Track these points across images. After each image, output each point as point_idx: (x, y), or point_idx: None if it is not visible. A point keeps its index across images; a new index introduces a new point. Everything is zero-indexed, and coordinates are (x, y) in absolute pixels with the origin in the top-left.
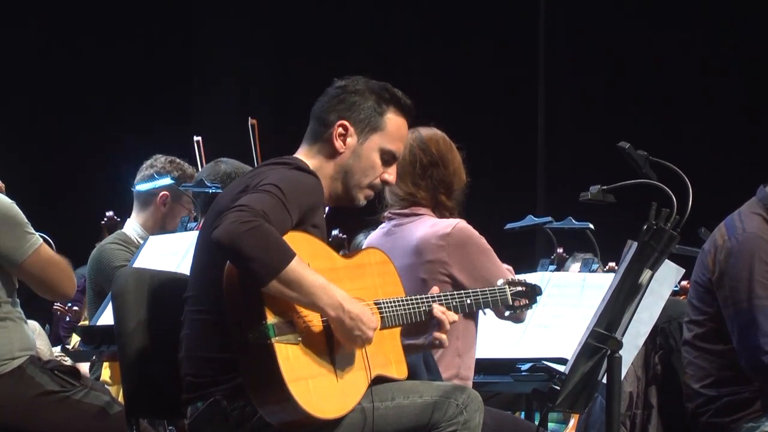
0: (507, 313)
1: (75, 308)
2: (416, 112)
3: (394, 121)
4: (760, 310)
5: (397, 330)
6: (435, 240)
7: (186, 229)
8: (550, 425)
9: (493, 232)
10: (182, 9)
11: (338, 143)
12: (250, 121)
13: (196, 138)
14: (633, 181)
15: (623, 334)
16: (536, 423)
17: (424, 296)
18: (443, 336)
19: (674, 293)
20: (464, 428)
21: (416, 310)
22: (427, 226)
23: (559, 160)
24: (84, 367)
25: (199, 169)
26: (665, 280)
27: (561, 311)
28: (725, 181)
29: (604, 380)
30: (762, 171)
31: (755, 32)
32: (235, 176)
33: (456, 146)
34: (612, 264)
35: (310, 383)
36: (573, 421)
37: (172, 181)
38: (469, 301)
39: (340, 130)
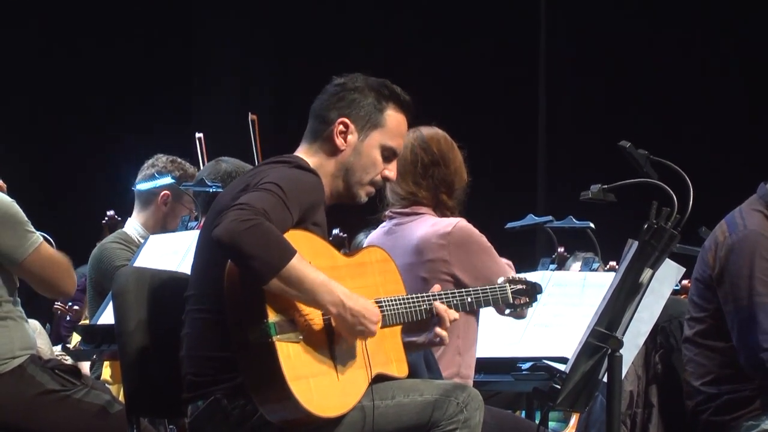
0: (507, 312)
1: (75, 307)
2: (417, 112)
3: (393, 117)
4: (760, 307)
5: (398, 328)
6: (436, 239)
7: (187, 228)
8: (551, 424)
9: (494, 232)
10: (182, 9)
11: (339, 141)
12: (250, 116)
13: (198, 134)
14: (634, 180)
15: (624, 333)
16: (537, 422)
17: (424, 294)
18: (444, 333)
19: (675, 292)
20: (464, 426)
21: (417, 308)
22: (427, 225)
23: (559, 160)
24: (85, 366)
25: (201, 164)
26: (666, 279)
27: (562, 310)
28: (725, 181)
29: (605, 379)
30: (762, 170)
31: (755, 32)
32: (236, 175)
33: (457, 145)
34: (613, 263)
35: (311, 382)
36: (573, 420)
37: (173, 181)
38: (470, 300)
39: (341, 127)
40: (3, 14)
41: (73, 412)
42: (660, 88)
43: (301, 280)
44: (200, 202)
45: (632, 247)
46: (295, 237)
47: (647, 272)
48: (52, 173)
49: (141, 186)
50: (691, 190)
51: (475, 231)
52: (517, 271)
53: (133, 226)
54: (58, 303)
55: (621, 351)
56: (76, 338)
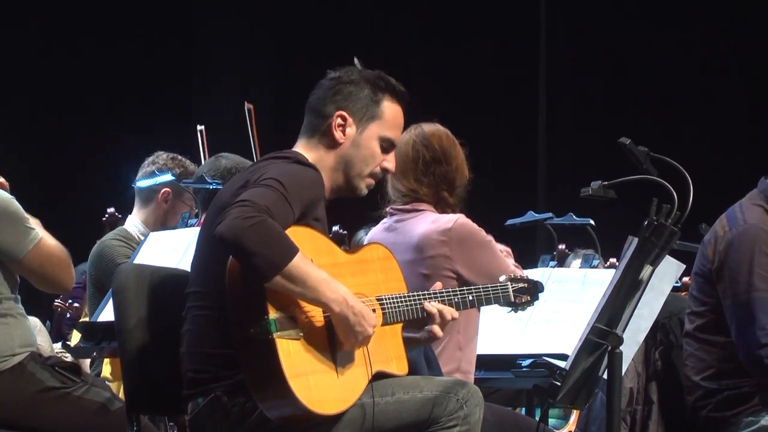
0: (508, 311)
1: (75, 305)
2: (417, 112)
3: (390, 108)
4: (758, 302)
5: (399, 326)
6: (436, 235)
7: (187, 225)
8: (551, 421)
9: (494, 229)
10: (182, 9)
11: (338, 134)
12: (247, 105)
13: (199, 127)
14: (634, 176)
15: (624, 330)
16: (537, 419)
17: (426, 292)
18: (436, 329)
19: (675, 289)
20: (464, 423)
21: (418, 306)
22: (428, 221)
23: (559, 159)
24: (85, 364)
25: (202, 157)
26: (666, 276)
27: (562, 307)
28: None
29: (605, 376)
30: (762, 170)
31: (755, 32)
32: (236, 171)
33: (459, 142)
34: (613, 260)
35: (311, 379)
36: (574, 417)
37: (173, 178)
38: (471, 298)
39: (339, 120)
40: (3, 14)
41: (73, 410)
42: (660, 88)
43: (304, 278)
44: (200, 199)
45: (632, 243)
46: (296, 233)
47: (647, 269)
48: (52, 173)
49: (141, 183)
50: (691, 186)
51: (476, 226)
52: None
53: (134, 223)
54: (59, 300)
55: (621, 348)
56: (76, 336)
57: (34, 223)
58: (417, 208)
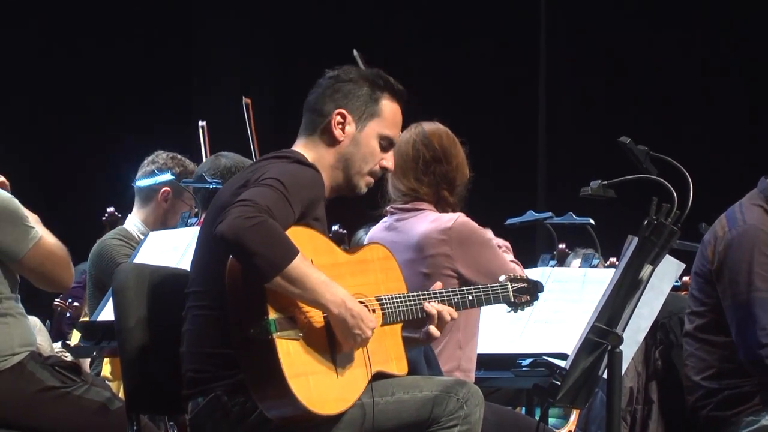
0: (508, 310)
1: (75, 304)
2: (417, 112)
3: (389, 107)
4: (758, 302)
5: (398, 326)
6: (436, 234)
7: (186, 225)
8: (551, 420)
9: (494, 228)
10: (182, 9)
11: (337, 131)
12: (244, 100)
13: (201, 123)
14: (633, 176)
15: (624, 330)
16: (537, 418)
17: (425, 292)
18: (433, 329)
19: (675, 288)
20: (465, 423)
21: (418, 306)
22: (428, 221)
23: (559, 160)
24: (85, 363)
25: (204, 153)
26: (666, 276)
27: (562, 306)
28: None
29: (605, 375)
30: (762, 170)
31: (755, 32)
32: (236, 170)
33: (459, 141)
34: (613, 259)
35: (311, 379)
36: (574, 417)
37: (172, 177)
38: (471, 298)
39: (338, 118)
40: (3, 14)
41: (73, 409)
42: (660, 88)
43: (304, 280)
44: (200, 199)
45: (632, 243)
46: (296, 233)
47: (647, 268)
48: (52, 173)
49: (141, 183)
50: (691, 186)
51: (476, 225)
52: None
53: (134, 222)
54: (58, 300)
55: (621, 347)
56: (76, 335)
57: (33, 220)
58: (417, 207)
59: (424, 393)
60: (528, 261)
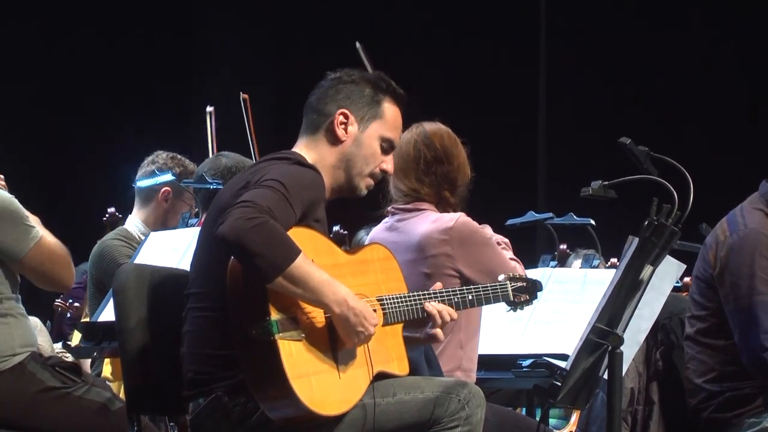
0: (507, 309)
1: (76, 305)
2: (417, 112)
3: (391, 109)
4: (760, 306)
5: (399, 326)
6: (437, 234)
7: (187, 225)
8: (552, 421)
9: (495, 228)
10: (182, 9)
11: (340, 131)
12: (242, 96)
13: (208, 108)
14: (634, 176)
15: (624, 330)
16: (537, 419)
17: (426, 292)
18: (438, 332)
19: (675, 289)
20: (466, 423)
21: (418, 306)
22: (429, 221)
23: (559, 159)
24: (85, 364)
25: (210, 139)
26: (666, 276)
27: (562, 307)
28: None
29: (606, 376)
30: (762, 169)
31: (755, 32)
32: (236, 170)
33: (461, 141)
34: (614, 260)
35: (313, 380)
36: (574, 418)
37: (173, 178)
38: (470, 297)
39: (341, 118)
40: (3, 14)
41: (73, 410)
42: (660, 88)
43: (306, 279)
44: (200, 199)
45: (633, 243)
46: (297, 234)
47: (648, 269)
48: (51, 173)
49: (141, 183)
50: (692, 186)
51: (477, 225)
52: None
53: (134, 223)
54: (59, 300)
55: (621, 348)
56: (77, 336)
57: (34, 221)
58: (418, 207)
59: (426, 394)
60: (528, 262)
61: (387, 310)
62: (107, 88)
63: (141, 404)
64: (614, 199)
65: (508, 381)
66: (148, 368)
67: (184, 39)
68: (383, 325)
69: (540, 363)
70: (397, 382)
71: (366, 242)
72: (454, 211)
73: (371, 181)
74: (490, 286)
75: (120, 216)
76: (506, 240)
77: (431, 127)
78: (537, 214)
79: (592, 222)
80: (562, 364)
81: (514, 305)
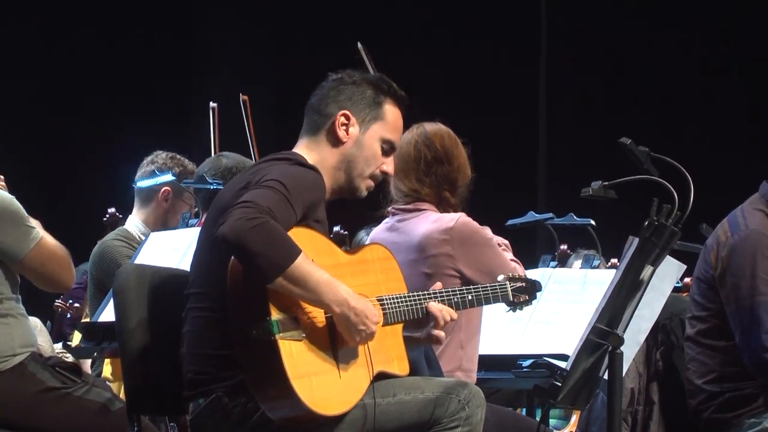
0: (507, 310)
1: (76, 305)
2: (417, 112)
3: (392, 111)
4: (762, 306)
5: (399, 326)
6: (438, 234)
7: (187, 226)
8: (552, 421)
9: (495, 229)
10: (182, 9)
11: (341, 132)
12: (242, 97)
13: (212, 104)
14: (634, 177)
15: (624, 331)
16: (538, 419)
17: (425, 292)
18: (441, 333)
19: (676, 289)
20: (466, 424)
21: (418, 306)
22: (429, 221)
23: (559, 160)
24: (85, 364)
25: (213, 136)
26: (666, 277)
27: (562, 307)
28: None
29: (606, 376)
30: (762, 169)
31: (755, 32)
32: (237, 171)
33: (461, 141)
34: (614, 260)
35: (313, 380)
36: (574, 418)
37: (173, 178)
38: (470, 297)
39: (342, 119)
40: (3, 14)
41: (73, 410)
42: (660, 88)
43: (306, 279)
44: (201, 199)
45: (633, 244)
46: (297, 235)
47: (648, 269)
48: (51, 173)
49: (141, 183)
50: (692, 186)
51: (477, 225)
52: None
53: (134, 223)
54: (59, 300)
55: (622, 348)
56: (77, 336)
57: (34, 223)
58: (419, 207)
59: (426, 394)
60: (529, 262)
61: (387, 310)
62: (107, 88)
63: (141, 404)
64: (614, 200)
65: (509, 381)
66: (149, 368)
67: (184, 39)
68: (383, 325)
69: (540, 363)
70: (398, 383)
71: (366, 243)
72: (455, 211)
73: (371, 183)
74: (490, 287)
75: (120, 216)
76: (506, 242)
77: (432, 127)
78: (537, 215)
79: (593, 222)
80: (562, 364)
81: (514, 305)
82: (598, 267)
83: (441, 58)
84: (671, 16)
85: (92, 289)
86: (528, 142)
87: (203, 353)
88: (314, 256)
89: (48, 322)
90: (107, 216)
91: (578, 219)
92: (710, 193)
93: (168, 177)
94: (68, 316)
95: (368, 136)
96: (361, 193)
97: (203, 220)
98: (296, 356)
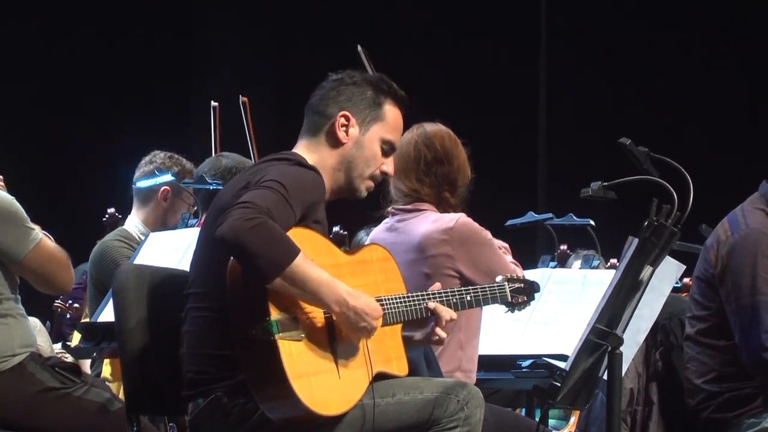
0: (505, 311)
1: (76, 305)
2: (417, 112)
3: (392, 111)
4: (762, 306)
5: (398, 327)
6: (438, 234)
7: (187, 226)
8: (551, 422)
9: (494, 229)
10: (182, 9)
11: (341, 133)
12: (241, 99)
13: (213, 103)
14: (634, 177)
15: (624, 331)
16: (537, 420)
17: (424, 293)
18: (442, 333)
19: (675, 290)
20: (465, 424)
21: (417, 307)
22: (429, 221)
23: (559, 160)
24: (85, 364)
25: (213, 135)
26: (666, 277)
27: (562, 308)
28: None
29: (605, 377)
30: (762, 169)
31: (755, 32)
32: (236, 171)
33: (461, 142)
34: (613, 260)
35: (313, 380)
36: (574, 418)
37: (173, 178)
38: (469, 298)
39: (342, 120)
40: (3, 14)
41: (73, 410)
42: (660, 88)
43: (305, 279)
44: (200, 199)
45: (632, 244)
46: (297, 235)
47: (647, 269)
48: (51, 173)
49: (141, 183)
50: (692, 187)
51: (477, 225)
52: None
53: (133, 223)
54: (59, 301)
55: (621, 348)
56: (76, 336)
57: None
58: (419, 207)
59: (425, 394)
60: (528, 262)
61: (386, 311)
62: (107, 88)
63: (140, 405)
64: (614, 200)
65: (508, 381)
66: (148, 369)
67: (184, 39)
68: (382, 326)
69: (539, 363)
70: (397, 383)
71: (366, 243)
72: (455, 211)
73: (371, 183)
74: (488, 287)
75: (120, 216)
76: (506, 245)
77: (432, 128)
78: (537, 215)
79: (592, 223)
80: (561, 364)
81: (512, 306)
82: (597, 267)
83: (441, 58)
84: (671, 16)
85: (92, 289)
86: (528, 142)
87: (203, 353)
88: (313, 256)
89: (47, 322)
90: (107, 216)
91: (578, 219)
92: (710, 193)
93: (168, 177)
94: (68, 316)
95: (368, 137)
96: (360, 194)
97: (203, 220)
98: (296, 356)
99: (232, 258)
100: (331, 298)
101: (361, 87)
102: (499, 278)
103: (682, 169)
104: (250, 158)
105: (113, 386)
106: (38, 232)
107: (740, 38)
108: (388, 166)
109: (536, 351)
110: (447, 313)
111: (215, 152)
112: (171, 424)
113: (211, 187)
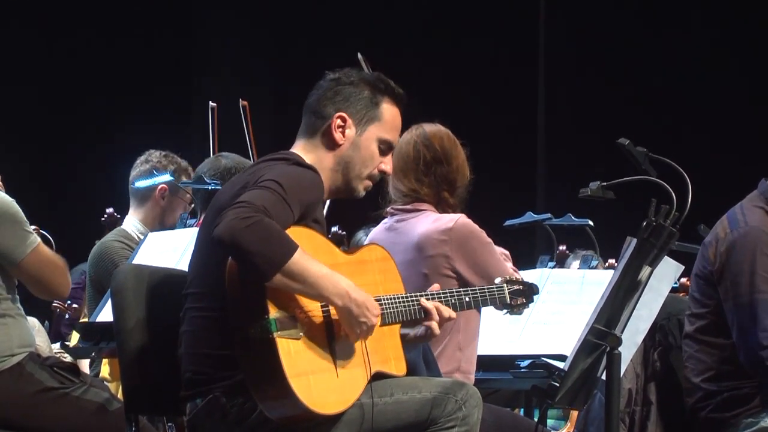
0: (504, 313)
1: (74, 306)
2: (417, 112)
3: (389, 111)
4: (760, 304)
5: (397, 327)
6: (437, 235)
7: (185, 226)
8: (550, 422)
9: (493, 229)
10: (182, 9)
11: (337, 135)
12: (242, 102)
13: (212, 104)
14: (632, 177)
15: (622, 331)
16: (535, 420)
17: (423, 293)
18: (433, 324)
19: (673, 290)
20: (463, 424)
21: (416, 307)
22: (429, 221)
23: (558, 160)
24: (83, 364)
25: (212, 135)
26: (664, 277)
27: (560, 308)
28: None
29: (604, 377)
30: (761, 169)
31: (755, 32)
32: (236, 171)
33: (460, 142)
34: (612, 261)
35: (311, 379)
36: (572, 419)
37: (171, 177)
38: (467, 299)
39: (339, 121)
40: (3, 14)
41: (71, 410)
42: (660, 88)
43: (305, 274)
44: (199, 199)
45: (631, 244)
46: (295, 234)
47: (646, 270)
48: (51, 173)
49: (139, 183)
50: (690, 187)
51: (476, 227)
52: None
53: (132, 223)
54: (57, 301)
55: (620, 348)
56: (75, 336)
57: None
58: (418, 208)
59: (423, 394)
60: (527, 262)
61: (384, 311)
62: (107, 88)
63: (139, 404)
64: (613, 200)
65: (507, 381)
66: (146, 368)
67: (184, 39)
68: (381, 326)
69: (538, 363)
70: (395, 383)
71: (365, 243)
72: (454, 211)
73: (369, 183)
74: (487, 289)
75: (118, 216)
76: (506, 252)
77: (431, 128)
78: (535, 215)
79: (591, 223)
80: (560, 364)
81: (511, 308)
82: (596, 267)
83: (441, 58)
84: (671, 16)
85: (90, 289)
86: (528, 142)
87: (201, 353)
88: (313, 255)
89: (46, 322)
90: (105, 216)
91: (576, 219)
92: (708, 193)
93: (166, 177)
94: (66, 316)
95: (365, 138)
96: (358, 194)
97: (201, 220)
98: (294, 355)
99: (230, 257)
100: (333, 291)
101: (358, 87)
102: (498, 280)
103: (681, 170)
104: (250, 160)
105: (112, 386)
106: (36, 237)
107: (740, 38)
108: (387, 164)
109: (535, 351)
110: (446, 311)
111: (214, 153)
112: (170, 424)
113: (209, 188)
